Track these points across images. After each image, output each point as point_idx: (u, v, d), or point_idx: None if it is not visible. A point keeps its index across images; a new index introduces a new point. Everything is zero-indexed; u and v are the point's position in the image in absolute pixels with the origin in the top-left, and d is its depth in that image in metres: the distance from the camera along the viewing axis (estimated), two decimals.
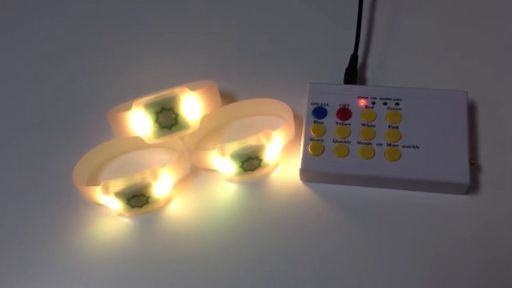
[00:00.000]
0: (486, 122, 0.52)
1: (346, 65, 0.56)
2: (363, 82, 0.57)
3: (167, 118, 0.48)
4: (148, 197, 0.49)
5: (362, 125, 0.50)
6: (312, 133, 0.50)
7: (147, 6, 0.66)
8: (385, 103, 0.51)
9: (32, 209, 0.52)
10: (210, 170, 0.52)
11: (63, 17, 0.66)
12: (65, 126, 0.57)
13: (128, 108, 0.48)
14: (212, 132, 0.55)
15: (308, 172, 0.50)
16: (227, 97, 0.56)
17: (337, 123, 0.51)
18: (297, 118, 0.52)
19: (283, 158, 0.52)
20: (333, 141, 0.50)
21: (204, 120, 0.51)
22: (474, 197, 0.49)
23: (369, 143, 0.49)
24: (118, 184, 0.47)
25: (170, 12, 0.65)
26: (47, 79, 0.61)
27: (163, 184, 0.49)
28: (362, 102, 0.51)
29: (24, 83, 0.61)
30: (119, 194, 0.47)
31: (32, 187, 0.53)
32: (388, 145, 0.49)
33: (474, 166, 0.50)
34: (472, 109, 0.53)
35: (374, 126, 0.50)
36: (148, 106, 0.47)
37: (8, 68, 0.62)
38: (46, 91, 0.60)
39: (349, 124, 0.50)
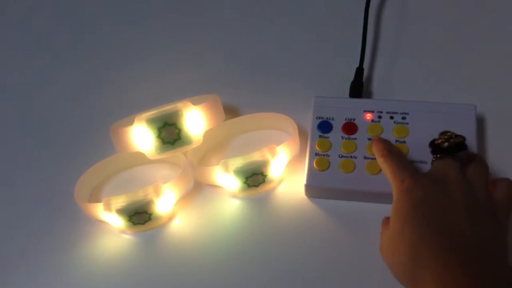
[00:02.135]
0: (495, 136, 0.51)
1: (351, 78, 0.55)
2: (369, 95, 0.56)
3: (169, 133, 0.47)
4: (150, 214, 0.48)
5: (369, 140, 0.49)
6: (318, 148, 0.50)
7: (151, 22, 0.65)
8: (391, 117, 0.50)
9: (34, 226, 0.51)
10: (214, 186, 0.51)
11: (66, 30, 0.66)
12: (67, 142, 0.56)
13: (130, 123, 0.48)
14: (216, 147, 0.54)
15: (313, 188, 0.49)
16: (230, 112, 0.55)
17: (343, 137, 0.50)
18: (302, 133, 0.52)
19: (288, 173, 0.52)
20: (339, 156, 0.49)
21: (207, 135, 0.50)
22: None
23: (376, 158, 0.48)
24: (120, 201, 0.47)
25: (173, 27, 0.65)
26: (48, 95, 0.60)
27: (165, 201, 0.48)
28: (368, 116, 0.51)
29: (25, 99, 0.61)
30: (121, 211, 0.47)
31: (33, 203, 0.52)
32: None
33: None
34: (481, 123, 0.52)
35: None
36: (151, 121, 0.47)
37: (8, 82, 0.62)
38: (47, 106, 0.59)
39: (355, 139, 0.50)
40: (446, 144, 0.44)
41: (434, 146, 0.45)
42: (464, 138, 0.44)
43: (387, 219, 0.43)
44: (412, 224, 0.40)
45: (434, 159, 0.44)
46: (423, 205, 0.40)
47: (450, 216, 0.39)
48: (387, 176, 0.44)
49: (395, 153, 0.45)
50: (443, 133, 0.45)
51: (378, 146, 0.46)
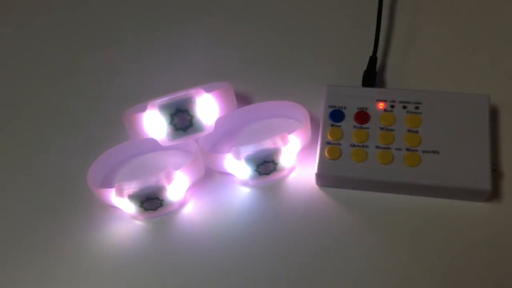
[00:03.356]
0: (509, 127, 0.51)
1: (364, 67, 0.55)
2: (382, 85, 0.56)
3: (182, 120, 0.48)
4: (162, 200, 0.48)
5: (381, 129, 0.49)
6: (329, 137, 0.49)
7: (163, 9, 0.66)
8: (404, 107, 0.50)
9: (46, 211, 0.52)
10: (225, 173, 0.51)
11: (79, 20, 0.66)
12: (80, 127, 0.57)
13: (143, 109, 0.48)
14: (227, 134, 0.54)
15: (324, 177, 0.49)
16: (242, 99, 0.55)
17: (354, 126, 0.50)
18: (313, 121, 0.52)
19: (299, 162, 0.52)
20: (350, 145, 0.49)
21: (219, 122, 0.50)
22: (496, 205, 0.47)
23: (388, 148, 0.48)
24: (132, 187, 0.47)
25: (185, 15, 0.65)
26: (62, 80, 0.61)
27: (177, 187, 0.49)
28: (381, 106, 0.50)
29: (38, 85, 0.61)
30: (133, 197, 0.47)
31: (46, 188, 0.53)
32: (408, 150, 0.48)
33: (496, 173, 0.48)
34: (494, 114, 0.52)
35: (393, 130, 0.49)
36: (163, 107, 0.47)
37: (22, 69, 0.63)
38: (61, 92, 0.60)
39: (367, 128, 0.49)
40: None
41: None
42: None
43: None
44: None
45: None
46: None
47: None
48: None
49: None
50: None
51: None
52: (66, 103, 0.59)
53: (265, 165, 0.49)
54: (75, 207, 0.51)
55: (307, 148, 0.52)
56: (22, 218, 0.52)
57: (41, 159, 0.55)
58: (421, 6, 0.61)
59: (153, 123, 0.48)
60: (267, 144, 0.48)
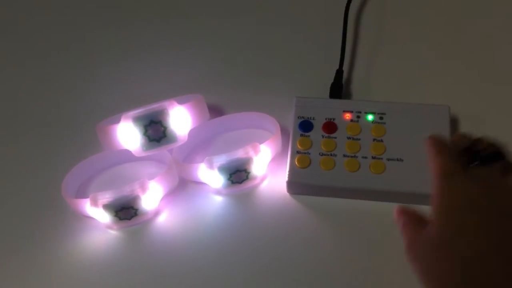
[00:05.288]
0: None
1: (331, 80, 0.57)
2: (348, 96, 0.58)
3: (155, 131, 0.48)
4: (136, 210, 0.49)
5: (348, 139, 0.51)
6: (299, 146, 0.51)
7: (137, 22, 0.66)
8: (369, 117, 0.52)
9: (20, 222, 0.52)
10: (199, 183, 0.52)
11: (54, 29, 0.67)
12: (54, 139, 0.57)
13: (117, 121, 0.49)
14: (200, 145, 0.55)
15: (295, 184, 0.50)
16: (215, 111, 0.56)
17: (323, 136, 0.52)
18: (284, 132, 0.53)
19: (271, 170, 0.53)
20: (319, 154, 0.51)
21: (192, 133, 0.51)
22: None
23: (355, 156, 0.50)
24: (107, 196, 0.48)
25: (158, 27, 0.66)
26: (36, 92, 0.61)
27: (151, 197, 0.50)
28: (348, 116, 0.52)
29: (12, 94, 0.61)
30: (107, 207, 0.48)
31: (20, 198, 0.53)
32: (373, 158, 0.50)
33: None
34: (454, 123, 0.54)
35: (359, 139, 0.51)
36: (137, 119, 0.48)
37: None
38: (35, 103, 0.60)
39: (335, 138, 0.51)
40: (486, 152, 0.40)
41: (474, 154, 0.41)
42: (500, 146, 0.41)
43: (420, 218, 0.39)
44: (464, 232, 0.35)
45: (472, 166, 0.40)
46: (479, 211, 0.35)
47: (509, 225, 0.34)
48: (434, 173, 0.39)
49: (445, 152, 0.40)
50: (478, 141, 0.42)
51: (432, 143, 0.42)
52: (40, 114, 0.59)
53: (238, 174, 0.50)
54: (50, 218, 0.51)
55: (278, 157, 0.53)
56: None
57: (15, 170, 0.55)
58: (385, 21, 0.63)
59: (127, 134, 0.49)
60: (239, 154, 0.49)
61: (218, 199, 0.52)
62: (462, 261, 0.34)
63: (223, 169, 0.49)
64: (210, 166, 0.49)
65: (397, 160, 0.50)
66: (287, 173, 0.50)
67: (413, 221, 0.39)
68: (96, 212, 0.49)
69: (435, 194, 0.38)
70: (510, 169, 0.40)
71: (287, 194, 0.52)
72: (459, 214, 0.36)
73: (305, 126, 0.52)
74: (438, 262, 0.35)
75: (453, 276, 0.34)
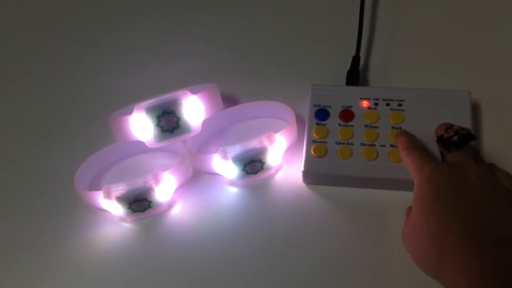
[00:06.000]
0: (490, 122, 0.52)
1: (348, 66, 0.56)
2: (365, 83, 0.56)
3: (168, 122, 0.48)
4: (150, 202, 0.48)
5: (365, 127, 0.50)
6: (315, 135, 0.50)
7: (150, 12, 0.66)
8: (387, 104, 0.51)
9: (33, 214, 0.52)
10: (213, 174, 0.52)
11: (65, 21, 0.67)
12: (67, 131, 0.57)
13: (130, 112, 0.48)
14: (214, 135, 0.54)
15: (311, 174, 0.49)
16: (228, 100, 0.56)
17: (339, 124, 0.50)
18: (299, 121, 0.52)
19: (286, 160, 0.52)
20: (336, 143, 0.50)
21: (206, 123, 0.51)
22: None
23: (373, 145, 0.49)
24: (120, 189, 0.47)
25: (172, 17, 0.65)
26: (49, 84, 0.61)
27: (165, 188, 0.49)
28: (365, 104, 0.51)
29: (25, 88, 0.61)
30: (120, 199, 0.47)
31: (33, 191, 0.53)
32: (392, 146, 0.49)
33: None
34: (475, 109, 0.52)
35: (377, 127, 0.50)
36: (150, 109, 0.47)
37: (8, 71, 0.63)
38: (47, 95, 0.60)
39: (352, 126, 0.50)
40: (455, 137, 0.44)
41: (444, 141, 0.45)
42: (470, 129, 0.45)
43: (410, 208, 0.43)
44: (433, 212, 0.40)
45: (445, 153, 0.45)
46: (443, 192, 0.40)
47: (472, 202, 0.39)
48: (409, 168, 0.44)
49: (417, 147, 0.46)
50: (448, 128, 0.46)
51: (402, 140, 0.47)
52: (53, 106, 0.59)
53: (252, 164, 0.49)
54: (63, 211, 0.51)
55: (293, 147, 0.52)
56: (9, 221, 0.51)
57: (28, 162, 0.55)
58: (403, 5, 0.62)
59: (140, 125, 0.48)
60: (254, 144, 0.48)
61: (233, 190, 0.51)
62: (432, 235, 0.39)
63: (237, 159, 0.48)
64: (224, 156, 0.48)
65: None
66: (303, 162, 0.49)
67: (408, 208, 0.44)
68: (109, 205, 0.48)
69: (414, 191, 0.42)
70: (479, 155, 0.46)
71: (303, 184, 0.51)
72: (434, 197, 0.40)
73: (321, 114, 0.51)
74: (418, 241, 0.40)
75: (427, 246, 0.39)
